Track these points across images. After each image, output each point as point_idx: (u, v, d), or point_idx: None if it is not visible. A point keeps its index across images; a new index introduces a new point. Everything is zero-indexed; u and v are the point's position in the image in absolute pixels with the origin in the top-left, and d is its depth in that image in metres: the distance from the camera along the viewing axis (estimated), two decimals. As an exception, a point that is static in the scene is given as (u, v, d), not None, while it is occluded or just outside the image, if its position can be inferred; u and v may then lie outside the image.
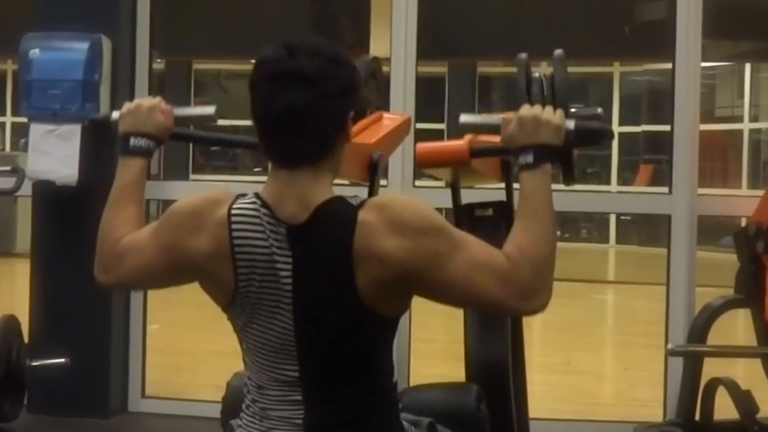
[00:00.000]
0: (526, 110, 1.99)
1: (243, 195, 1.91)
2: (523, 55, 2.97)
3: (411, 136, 3.83)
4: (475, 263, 1.83)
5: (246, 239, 1.86)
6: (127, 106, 2.17)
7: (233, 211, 1.88)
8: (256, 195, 1.89)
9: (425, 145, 2.79)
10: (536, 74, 2.93)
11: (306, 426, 1.87)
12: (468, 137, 2.73)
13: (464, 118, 2.21)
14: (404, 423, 1.96)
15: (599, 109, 3.36)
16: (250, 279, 1.87)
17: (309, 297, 1.85)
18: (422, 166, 2.92)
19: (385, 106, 3.60)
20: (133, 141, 2.12)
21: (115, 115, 2.20)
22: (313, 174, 1.87)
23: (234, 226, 1.87)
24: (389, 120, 2.94)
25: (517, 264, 1.84)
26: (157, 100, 2.17)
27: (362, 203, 1.87)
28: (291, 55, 1.85)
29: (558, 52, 2.92)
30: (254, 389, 1.93)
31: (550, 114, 1.98)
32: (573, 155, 2.51)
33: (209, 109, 2.29)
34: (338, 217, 1.84)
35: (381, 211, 1.84)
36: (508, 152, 2.04)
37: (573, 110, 2.94)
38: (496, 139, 2.14)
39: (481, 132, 2.30)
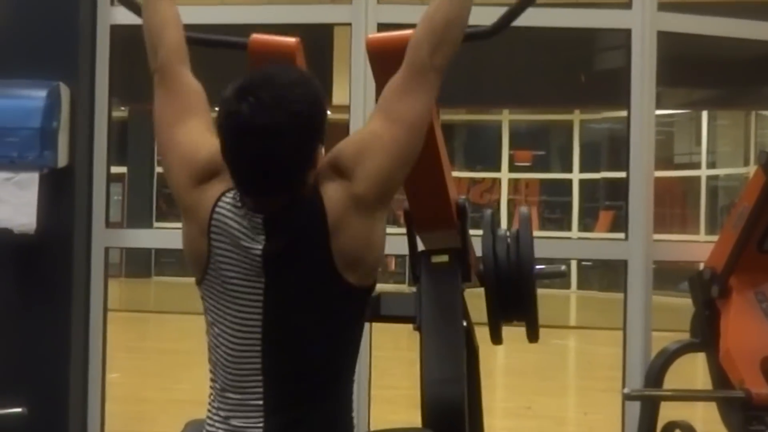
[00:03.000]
0: None
1: (231, 190, 2.00)
2: (489, 212, 3.02)
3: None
4: (395, 109, 2.00)
5: (222, 222, 1.96)
6: None
7: (219, 202, 1.99)
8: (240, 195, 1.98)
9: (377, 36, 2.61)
10: (501, 233, 2.96)
11: None
12: None
13: None
14: None
15: (563, 267, 3.38)
16: (221, 257, 1.96)
17: (281, 276, 1.92)
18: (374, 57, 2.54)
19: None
20: None
21: None
22: (284, 196, 1.96)
23: (217, 209, 1.98)
24: None
25: (413, 59, 2.02)
26: None
27: (317, 179, 1.98)
28: (253, 110, 1.86)
29: (523, 210, 2.96)
30: (218, 395, 1.98)
31: None
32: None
33: None
34: (306, 201, 1.94)
35: (332, 173, 1.97)
36: None
37: (538, 268, 3.00)
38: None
39: None
